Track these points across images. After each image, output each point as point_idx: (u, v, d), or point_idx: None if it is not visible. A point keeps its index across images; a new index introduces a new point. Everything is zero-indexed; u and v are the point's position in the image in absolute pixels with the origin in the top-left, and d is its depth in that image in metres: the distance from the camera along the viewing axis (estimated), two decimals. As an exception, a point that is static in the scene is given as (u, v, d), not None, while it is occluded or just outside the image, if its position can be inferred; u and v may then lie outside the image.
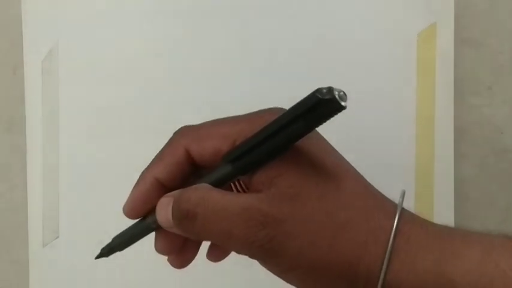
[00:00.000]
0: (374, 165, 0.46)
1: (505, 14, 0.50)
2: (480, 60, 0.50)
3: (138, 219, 0.33)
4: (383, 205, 0.30)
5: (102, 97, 0.51)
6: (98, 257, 0.35)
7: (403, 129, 0.49)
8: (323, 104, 0.27)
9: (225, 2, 0.50)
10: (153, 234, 0.33)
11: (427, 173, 0.49)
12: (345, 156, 0.32)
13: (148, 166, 0.33)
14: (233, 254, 0.32)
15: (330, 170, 0.30)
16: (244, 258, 0.30)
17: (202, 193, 0.30)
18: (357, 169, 0.31)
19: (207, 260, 0.35)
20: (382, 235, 0.29)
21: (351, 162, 0.31)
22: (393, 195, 0.31)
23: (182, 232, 0.31)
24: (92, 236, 0.50)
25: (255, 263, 0.30)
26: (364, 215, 0.29)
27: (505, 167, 0.50)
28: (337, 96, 0.27)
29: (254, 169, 0.30)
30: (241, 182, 0.32)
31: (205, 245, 0.34)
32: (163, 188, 0.32)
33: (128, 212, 0.33)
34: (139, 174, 0.33)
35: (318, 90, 0.27)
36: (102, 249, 0.35)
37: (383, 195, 0.31)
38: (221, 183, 0.31)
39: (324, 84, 0.28)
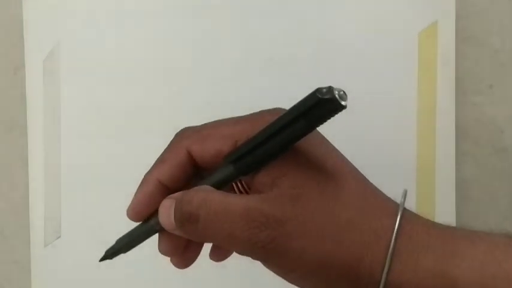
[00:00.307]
0: (375, 164, 0.46)
1: (506, 13, 0.50)
2: (481, 59, 0.50)
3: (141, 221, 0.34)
4: (385, 205, 0.30)
5: (103, 97, 0.51)
6: (102, 259, 0.35)
7: (404, 128, 0.49)
8: (323, 104, 0.27)
9: (226, 2, 0.50)
10: (156, 235, 0.33)
11: (428, 172, 0.49)
12: (346, 156, 0.32)
13: (150, 168, 0.33)
14: (235, 253, 0.32)
15: (332, 170, 0.30)
16: (247, 258, 0.30)
17: (203, 195, 0.30)
18: (358, 169, 0.31)
19: (209, 259, 0.35)
20: (384, 235, 0.29)
21: (352, 162, 0.31)
22: (395, 194, 0.31)
23: (184, 234, 0.31)
24: (93, 236, 0.50)
25: (257, 263, 0.30)
26: (366, 215, 0.29)
27: (506, 165, 0.50)
28: (337, 96, 0.27)
29: (256, 169, 0.30)
30: (243, 183, 0.32)
31: (207, 245, 0.34)
32: (166, 189, 0.32)
33: (132, 214, 0.33)
34: (141, 174, 0.33)
35: (318, 90, 0.27)
36: (106, 252, 0.35)
37: (385, 195, 0.31)
38: (223, 184, 0.31)
39: (325, 83, 0.28)
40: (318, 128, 0.29)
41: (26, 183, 0.51)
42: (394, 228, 0.29)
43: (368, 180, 0.31)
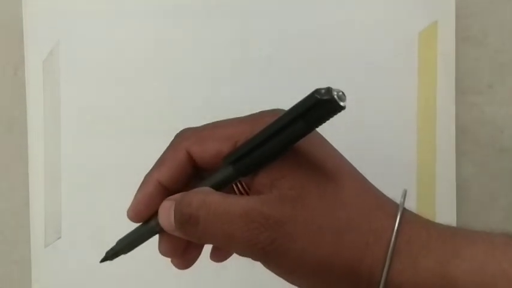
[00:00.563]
0: (375, 165, 0.46)
1: (506, 13, 0.50)
2: (481, 58, 0.50)
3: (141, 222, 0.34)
4: (384, 205, 0.30)
5: (103, 97, 0.51)
6: (102, 261, 0.35)
7: (404, 128, 0.49)
8: (322, 105, 0.27)
9: (226, 2, 0.50)
10: (156, 236, 0.33)
11: (428, 172, 0.49)
12: (346, 156, 0.32)
13: (150, 170, 0.33)
14: (236, 254, 0.32)
15: (331, 171, 0.30)
16: (247, 259, 0.30)
17: (203, 196, 0.30)
18: (358, 169, 0.31)
19: (209, 259, 0.35)
20: (384, 235, 0.29)
21: (352, 162, 0.31)
22: (395, 194, 0.31)
23: (184, 235, 0.31)
24: (94, 236, 0.50)
25: (257, 263, 0.30)
26: (366, 216, 0.29)
27: (506, 165, 0.50)
28: (335, 97, 0.27)
29: (255, 170, 0.30)
30: (243, 184, 0.32)
31: (208, 245, 0.34)
32: (166, 191, 0.32)
33: (132, 216, 0.33)
34: (141, 174, 0.33)
35: (317, 91, 0.27)
36: (107, 253, 0.35)
37: (384, 195, 0.31)
38: (223, 186, 0.31)
39: (324, 84, 0.28)
40: (317, 129, 0.29)
41: (26, 184, 0.51)
42: (394, 229, 0.29)
43: (368, 181, 0.31)
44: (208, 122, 0.33)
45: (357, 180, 0.31)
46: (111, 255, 0.35)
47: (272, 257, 0.29)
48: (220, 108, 0.49)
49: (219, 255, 0.34)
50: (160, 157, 0.33)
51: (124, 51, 0.51)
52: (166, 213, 0.31)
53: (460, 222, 0.49)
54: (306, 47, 0.50)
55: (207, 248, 0.34)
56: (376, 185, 0.31)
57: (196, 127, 0.33)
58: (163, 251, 0.33)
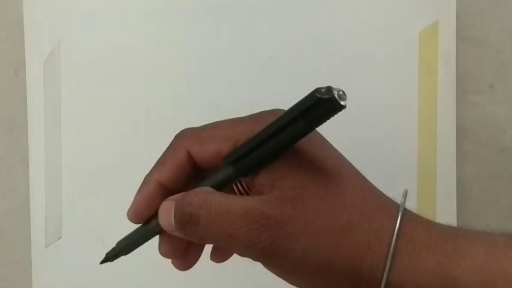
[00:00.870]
0: (376, 165, 0.46)
1: (507, 13, 0.50)
2: (482, 58, 0.50)
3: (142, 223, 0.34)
4: (385, 205, 0.30)
5: (104, 98, 0.51)
6: (102, 262, 0.35)
7: (405, 129, 0.49)
8: (322, 104, 0.27)
9: (227, 2, 0.50)
10: (156, 237, 0.33)
11: (429, 172, 0.49)
12: (346, 156, 0.32)
13: (150, 170, 0.33)
14: (236, 255, 0.32)
15: (331, 171, 0.30)
16: (248, 259, 0.30)
17: (204, 196, 0.30)
18: (358, 169, 0.31)
19: (210, 260, 0.35)
20: (385, 235, 0.29)
21: (352, 162, 0.31)
22: (395, 194, 0.31)
23: (185, 236, 0.31)
24: (94, 236, 0.50)
25: (258, 264, 0.30)
26: (366, 216, 0.29)
27: (508, 165, 0.50)
28: (336, 96, 0.27)
29: (255, 171, 0.30)
30: (243, 184, 0.32)
31: (208, 246, 0.34)
32: (167, 191, 0.32)
33: (132, 216, 0.33)
34: (141, 174, 0.33)
35: (317, 90, 0.27)
36: (107, 254, 0.35)
37: (385, 196, 0.31)
38: (223, 186, 0.31)
39: (326, 84, 0.28)
40: (318, 129, 0.29)
41: (27, 184, 0.51)
42: (394, 229, 0.29)
43: (368, 181, 0.31)
44: (208, 122, 0.33)
45: (357, 180, 0.31)
46: (112, 256, 0.35)
47: (272, 257, 0.29)
48: (221, 109, 0.49)
49: (220, 255, 0.34)
50: (160, 157, 0.33)
51: (125, 51, 0.51)
52: (167, 214, 0.31)
53: (461, 222, 0.49)
54: (307, 48, 0.50)
55: (208, 249, 0.34)
56: (376, 185, 0.31)
57: (196, 127, 0.33)
58: (164, 252, 0.33)
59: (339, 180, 0.30)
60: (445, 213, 0.49)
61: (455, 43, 0.49)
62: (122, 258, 0.35)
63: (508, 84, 0.50)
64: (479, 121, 0.50)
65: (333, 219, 0.29)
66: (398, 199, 0.31)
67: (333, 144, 0.32)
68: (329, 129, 0.30)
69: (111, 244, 0.35)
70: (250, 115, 0.32)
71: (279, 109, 0.31)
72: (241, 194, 0.32)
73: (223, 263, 0.35)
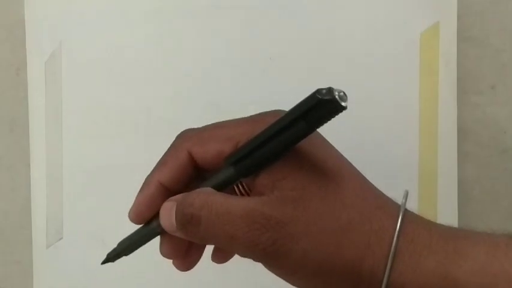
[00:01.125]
0: (376, 165, 0.46)
1: (508, 13, 0.50)
2: (483, 59, 0.50)
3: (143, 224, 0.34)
4: (386, 206, 0.30)
5: (105, 98, 0.51)
6: (104, 262, 0.35)
7: (406, 129, 0.49)
8: (323, 105, 0.27)
9: (227, 3, 0.50)
10: (158, 237, 0.33)
11: (430, 173, 0.49)
12: (347, 157, 0.32)
13: (152, 170, 0.33)
14: (237, 255, 0.32)
15: (332, 172, 0.30)
16: (249, 260, 0.30)
17: (205, 197, 0.30)
18: (359, 170, 0.31)
19: (211, 261, 0.35)
20: (386, 236, 0.29)
21: (353, 163, 0.31)
22: (396, 195, 0.31)
23: (186, 236, 0.31)
24: (95, 237, 0.50)
25: (259, 264, 0.30)
26: (367, 216, 0.29)
27: (509, 166, 0.50)
28: (337, 97, 0.27)
29: (256, 171, 0.30)
30: (244, 185, 0.32)
31: (209, 247, 0.34)
32: (168, 191, 0.32)
33: (133, 217, 0.33)
34: (143, 175, 0.33)
35: (318, 91, 0.27)
36: (108, 255, 0.35)
37: (386, 196, 0.31)
38: (224, 186, 0.31)
39: (327, 84, 0.28)
40: (318, 130, 0.29)
41: (28, 184, 0.51)
42: (395, 229, 0.29)
43: (369, 182, 0.31)
44: (210, 123, 0.33)
45: (358, 181, 0.31)
46: (113, 256, 0.35)
47: (273, 258, 0.29)
48: (222, 109, 0.49)
49: (221, 256, 0.34)
50: (162, 158, 0.33)
51: (126, 51, 0.51)
52: (168, 214, 0.31)
53: (462, 223, 0.49)
54: (308, 48, 0.50)
55: (209, 250, 0.34)
56: (377, 186, 0.31)
57: (198, 128, 0.33)
58: (165, 253, 0.33)
59: (340, 181, 0.30)
60: (446, 214, 0.49)
61: (456, 44, 0.49)
62: (123, 259, 0.35)
63: (509, 84, 0.50)
64: (480, 122, 0.50)
65: (334, 220, 0.29)
66: (399, 200, 0.31)
67: (334, 145, 0.32)
68: (330, 130, 0.30)
69: (112, 245, 0.35)
70: (251, 116, 0.32)
71: (280, 110, 0.31)
72: (242, 194, 0.32)
73: (224, 264, 0.35)
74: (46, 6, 0.51)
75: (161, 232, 0.33)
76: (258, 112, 0.32)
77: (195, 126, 0.33)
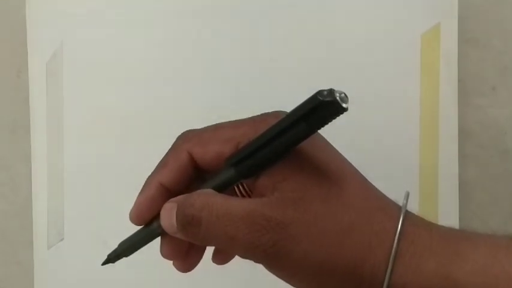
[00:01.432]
0: (378, 167, 0.46)
1: (509, 15, 0.50)
2: (484, 60, 0.50)
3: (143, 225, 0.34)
4: (387, 207, 0.30)
5: (106, 99, 0.51)
6: (104, 263, 0.35)
7: (407, 131, 0.49)
8: (324, 106, 0.27)
9: (228, 3, 0.50)
10: (158, 238, 0.33)
11: (431, 174, 0.49)
12: (348, 158, 0.32)
13: (152, 172, 0.33)
14: (238, 257, 0.32)
15: (333, 173, 0.30)
16: (249, 261, 0.30)
17: (205, 198, 0.30)
18: (360, 171, 0.31)
19: (211, 262, 0.35)
20: (387, 237, 0.29)
21: (354, 164, 0.31)
22: (397, 197, 0.31)
23: (186, 237, 0.31)
24: (96, 238, 0.50)
25: (259, 265, 0.30)
26: (368, 218, 0.29)
27: (510, 167, 0.50)
28: (338, 98, 0.27)
29: (257, 173, 0.30)
30: (245, 186, 0.32)
31: (210, 248, 0.34)
32: (168, 193, 0.32)
33: (134, 218, 0.33)
34: (144, 176, 0.33)
35: (319, 92, 0.27)
36: (109, 255, 0.35)
37: (387, 198, 0.31)
38: (225, 188, 0.31)
39: (327, 86, 0.28)
40: (320, 131, 0.29)
41: (29, 185, 0.51)
42: (396, 231, 0.29)
43: (370, 183, 0.31)
44: (210, 124, 0.33)
45: (359, 182, 0.31)
46: (113, 257, 0.35)
47: (274, 260, 0.29)
48: (223, 111, 0.49)
49: (221, 257, 0.34)
50: (162, 159, 0.33)
51: (127, 52, 0.51)
52: (168, 215, 0.31)
53: (463, 225, 0.49)
54: (309, 50, 0.50)
55: (209, 251, 0.34)
56: (378, 187, 0.31)
57: (198, 129, 0.33)
58: (165, 254, 0.33)
59: (341, 182, 0.30)
60: (447, 215, 0.49)
61: (457, 45, 0.49)
62: (124, 260, 0.35)
63: (510, 86, 0.50)
64: (481, 123, 0.50)
65: (335, 221, 0.29)
66: (400, 201, 0.31)
67: (335, 146, 0.32)
68: (331, 131, 0.30)
69: (114, 245, 0.35)
70: (252, 117, 0.32)
71: (280, 111, 0.31)
72: (242, 196, 0.32)
73: (225, 265, 0.35)
74: (47, 7, 0.51)
75: (162, 233, 0.33)
76: (258, 113, 0.32)
77: (196, 128, 0.33)
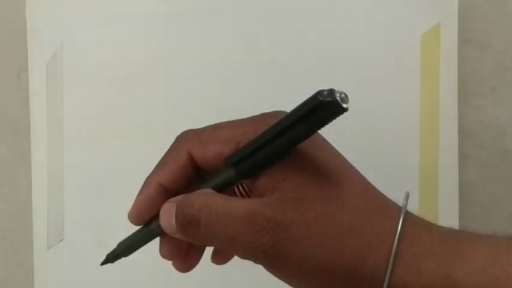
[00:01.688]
0: (378, 167, 0.46)
1: (509, 15, 0.50)
2: (484, 61, 0.50)
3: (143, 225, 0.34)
4: (387, 208, 0.30)
5: (106, 99, 0.51)
6: (103, 263, 0.35)
7: (407, 131, 0.49)
8: (324, 106, 0.27)
9: (228, 4, 0.50)
10: (157, 238, 0.33)
11: (431, 175, 0.49)
12: (348, 159, 0.32)
13: (152, 172, 0.33)
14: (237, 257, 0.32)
15: (333, 173, 0.30)
16: (249, 261, 0.30)
17: (205, 198, 0.30)
18: (360, 171, 0.31)
19: (211, 262, 0.35)
20: (387, 238, 0.29)
21: (354, 165, 0.31)
22: (397, 197, 0.31)
23: (186, 237, 0.31)
24: (96, 238, 0.50)
25: (259, 266, 0.30)
26: (368, 218, 0.29)
27: (509, 168, 0.50)
28: (338, 98, 0.27)
29: (257, 173, 0.30)
30: (245, 186, 0.32)
31: (209, 248, 0.34)
32: (167, 193, 0.32)
33: (133, 218, 0.33)
34: (143, 176, 0.33)
35: (319, 92, 0.27)
36: (108, 255, 0.35)
37: (387, 198, 0.31)
38: (224, 188, 0.31)
39: (327, 86, 0.28)
40: (320, 131, 0.29)
41: (29, 186, 0.51)
42: (396, 231, 0.29)
43: (370, 183, 0.31)
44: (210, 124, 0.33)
45: (359, 182, 0.31)
46: (112, 257, 0.34)
47: (274, 260, 0.29)
48: (223, 111, 0.49)
49: (220, 257, 0.34)
50: (162, 159, 0.33)
51: (127, 53, 0.51)
52: (168, 215, 0.31)
53: (463, 225, 0.49)
54: (309, 50, 0.50)
55: (209, 251, 0.34)
56: (378, 188, 0.31)
57: (198, 129, 0.33)
58: (164, 254, 0.33)
59: (341, 183, 0.30)
60: (447, 216, 0.49)
61: (458, 46, 0.49)
62: (124, 260, 0.35)
63: (510, 87, 0.50)
64: (481, 124, 0.50)
65: (335, 222, 0.29)
66: (400, 201, 0.31)
67: (335, 147, 0.32)
68: (331, 132, 0.30)
69: (113, 246, 0.35)
70: (251, 117, 0.32)
71: (280, 111, 0.31)
72: (242, 196, 0.32)
73: (224, 265, 0.35)
74: (47, 8, 0.51)
75: (161, 233, 0.32)
76: (258, 113, 0.32)
77: (196, 128, 0.33)
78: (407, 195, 0.31)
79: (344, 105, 0.27)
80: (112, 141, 0.51)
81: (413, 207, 0.31)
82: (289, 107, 0.29)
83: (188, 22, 0.51)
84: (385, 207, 0.30)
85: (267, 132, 0.29)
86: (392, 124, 0.49)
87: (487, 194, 0.50)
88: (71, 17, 0.51)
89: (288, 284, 0.30)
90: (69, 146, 0.51)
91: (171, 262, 0.34)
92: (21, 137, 0.52)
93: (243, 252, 0.30)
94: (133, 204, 0.33)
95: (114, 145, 0.51)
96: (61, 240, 0.51)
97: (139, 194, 0.33)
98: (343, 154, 0.32)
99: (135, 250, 0.34)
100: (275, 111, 0.31)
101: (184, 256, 0.34)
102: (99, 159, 0.51)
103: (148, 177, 0.33)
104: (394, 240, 0.29)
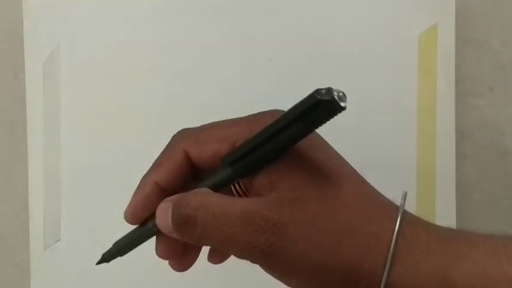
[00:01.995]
0: (375, 167, 0.46)
1: (507, 15, 0.50)
2: (481, 61, 0.50)
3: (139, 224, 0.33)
4: (384, 207, 0.30)
5: (103, 99, 0.51)
6: (99, 263, 0.35)
7: (405, 131, 0.49)
8: (322, 105, 0.27)
9: (226, 3, 0.50)
10: (154, 238, 0.33)
11: (428, 175, 0.49)
12: (345, 158, 0.31)
13: (148, 171, 0.33)
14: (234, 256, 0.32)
15: (331, 173, 0.30)
16: (246, 261, 0.30)
17: (202, 197, 0.30)
18: (357, 171, 0.31)
19: (207, 261, 0.35)
20: (384, 238, 0.29)
21: (351, 164, 0.31)
22: (395, 197, 0.31)
23: (182, 237, 0.31)
24: (93, 238, 0.50)
25: (256, 266, 0.30)
26: (366, 218, 0.29)
27: (507, 168, 0.50)
28: (336, 97, 0.27)
29: (254, 172, 0.30)
30: (242, 185, 0.32)
31: (206, 247, 0.34)
32: (164, 192, 0.32)
33: (129, 217, 0.33)
34: (140, 176, 0.33)
35: (317, 91, 0.27)
36: (103, 255, 0.35)
37: (385, 198, 0.31)
38: (221, 187, 0.31)
39: (325, 85, 0.27)
40: (317, 130, 0.29)
41: (26, 186, 0.51)
42: (394, 231, 0.29)
43: (368, 183, 0.31)
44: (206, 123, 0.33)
45: (357, 182, 0.31)
46: (108, 257, 0.34)
47: (271, 260, 0.29)
48: (220, 109, 0.49)
49: (217, 257, 0.34)
50: (158, 158, 0.33)
51: (124, 52, 0.51)
52: (164, 215, 0.31)
53: (460, 225, 0.49)
54: (306, 49, 0.50)
55: (205, 250, 0.34)
56: (376, 187, 0.31)
57: (194, 128, 0.33)
58: (161, 253, 0.33)
59: (338, 182, 0.30)
60: (444, 216, 0.49)
61: (455, 45, 0.49)
62: (121, 260, 0.35)
63: (507, 86, 0.50)
64: (478, 124, 0.50)
65: (332, 221, 0.29)
66: (397, 201, 0.31)
67: (332, 146, 0.32)
68: (328, 131, 0.30)
69: (110, 246, 0.35)
70: (248, 116, 0.32)
71: (278, 110, 0.31)
72: (239, 195, 0.32)
73: (221, 264, 0.35)
74: (44, 8, 0.51)
75: (157, 232, 0.32)
76: (255, 112, 0.32)
77: (193, 126, 0.33)
78: (405, 195, 0.31)
79: (342, 104, 0.27)
80: (109, 142, 0.51)
81: (411, 207, 0.31)
82: (286, 106, 0.29)
83: (184, 20, 0.50)
84: (382, 207, 0.30)
85: (264, 131, 0.29)
86: (390, 123, 0.49)
87: (484, 194, 0.50)
88: (68, 17, 0.51)
89: (285, 283, 0.30)
90: (66, 146, 0.51)
91: (167, 261, 0.34)
92: (17, 137, 0.52)
93: (240, 251, 0.30)
94: (129, 203, 0.33)
95: (111, 145, 0.51)
96: (58, 241, 0.51)
97: (135, 193, 0.33)
98: (341, 153, 0.32)
99: (131, 249, 0.34)
100: (272, 110, 0.31)
101: (181, 255, 0.33)
102: (96, 160, 0.51)
103: (144, 177, 0.33)
104: (392, 239, 0.29)
